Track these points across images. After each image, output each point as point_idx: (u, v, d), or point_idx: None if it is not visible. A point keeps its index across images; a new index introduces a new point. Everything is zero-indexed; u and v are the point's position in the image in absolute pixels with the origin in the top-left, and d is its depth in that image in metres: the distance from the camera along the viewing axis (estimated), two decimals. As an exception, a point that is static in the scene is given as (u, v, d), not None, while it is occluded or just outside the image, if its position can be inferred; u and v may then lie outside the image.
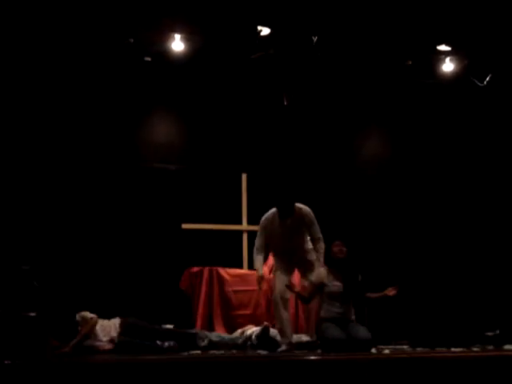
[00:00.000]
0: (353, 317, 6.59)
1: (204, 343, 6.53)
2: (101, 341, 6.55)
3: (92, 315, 6.61)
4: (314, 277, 6.45)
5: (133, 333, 6.56)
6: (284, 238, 6.52)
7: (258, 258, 6.55)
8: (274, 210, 6.57)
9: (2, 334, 6.19)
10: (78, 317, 6.62)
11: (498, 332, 7.34)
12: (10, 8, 7.01)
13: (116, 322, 6.68)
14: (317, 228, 6.54)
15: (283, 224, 6.49)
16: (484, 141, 8.95)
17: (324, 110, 8.78)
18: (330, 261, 6.64)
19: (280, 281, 6.45)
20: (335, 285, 6.58)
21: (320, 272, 6.50)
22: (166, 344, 6.46)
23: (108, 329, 6.64)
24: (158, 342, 6.49)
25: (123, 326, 6.60)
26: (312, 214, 6.55)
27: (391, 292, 6.55)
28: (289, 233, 6.51)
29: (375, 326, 6.91)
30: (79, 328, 6.57)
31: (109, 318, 6.75)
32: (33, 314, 6.63)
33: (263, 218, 6.61)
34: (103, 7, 7.04)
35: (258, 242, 6.61)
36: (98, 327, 6.57)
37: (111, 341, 6.61)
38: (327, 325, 6.46)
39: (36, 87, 7.61)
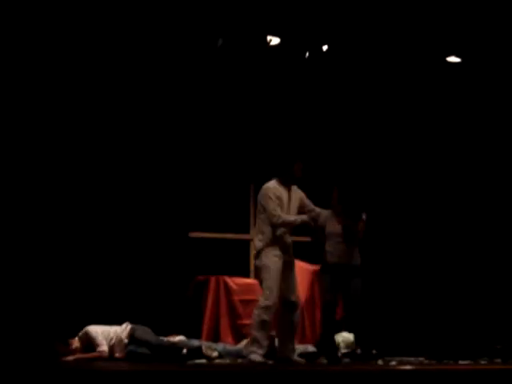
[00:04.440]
0: (357, 262, 6.58)
1: (215, 354, 6.51)
2: (104, 348, 6.53)
3: (98, 340, 6.53)
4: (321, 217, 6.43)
5: (141, 342, 6.56)
6: (286, 211, 6.26)
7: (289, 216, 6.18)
8: (273, 181, 6.27)
9: (11, 338, 6.21)
10: (85, 333, 6.58)
11: (505, 345, 7.30)
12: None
13: (124, 328, 6.66)
14: None
15: (288, 195, 6.25)
16: (485, 141, 8.91)
17: (328, 120, 8.81)
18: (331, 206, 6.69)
19: (281, 279, 6.12)
20: (335, 225, 6.63)
21: (323, 212, 6.49)
22: (184, 351, 6.44)
23: (112, 335, 6.62)
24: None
25: (131, 336, 6.59)
26: None
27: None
28: (290, 205, 6.27)
29: (383, 338, 6.90)
30: (78, 340, 6.54)
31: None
32: (40, 319, 6.67)
33: (270, 186, 6.19)
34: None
35: (278, 209, 6.11)
36: (100, 335, 6.55)
37: (116, 347, 6.59)
38: (327, 279, 6.51)
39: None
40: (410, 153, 8.96)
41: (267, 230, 6.17)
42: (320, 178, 8.05)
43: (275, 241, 6.18)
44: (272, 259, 6.13)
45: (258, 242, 6.23)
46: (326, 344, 6.56)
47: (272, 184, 6.28)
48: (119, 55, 7.74)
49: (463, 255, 8.71)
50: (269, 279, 6.08)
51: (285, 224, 6.18)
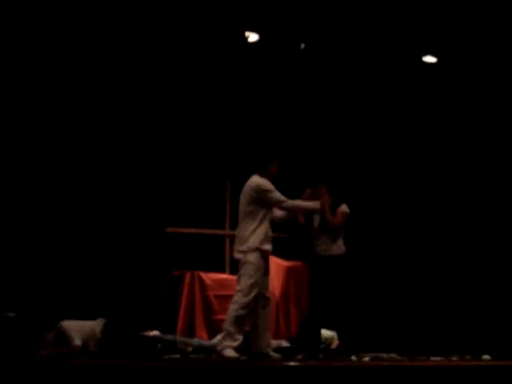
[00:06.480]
0: (337, 252, 6.63)
1: (189, 349, 6.53)
2: (77, 343, 6.51)
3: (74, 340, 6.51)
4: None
5: (115, 337, 6.54)
6: None
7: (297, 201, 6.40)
8: (257, 177, 6.33)
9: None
10: (59, 328, 6.55)
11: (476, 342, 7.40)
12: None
13: (98, 324, 6.65)
14: None
15: None
16: (485, 141, 8.98)
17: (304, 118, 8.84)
18: None
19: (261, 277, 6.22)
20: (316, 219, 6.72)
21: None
22: (159, 345, 6.44)
23: (86, 330, 6.60)
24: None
25: (104, 331, 6.58)
26: None
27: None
28: None
29: (357, 333, 6.94)
30: (52, 335, 6.51)
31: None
32: (14, 315, 6.61)
33: (265, 180, 6.27)
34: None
35: (282, 196, 6.28)
36: (74, 330, 6.52)
37: (90, 342, 6.58)
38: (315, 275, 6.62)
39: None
40: (396, 147, 9.02)
41: (259, 227, 6.20)
42: (302, 173, 8.12)
43: (265, 240, 6.22)
44: (259, 258, 6.19)
45: (250, 239, 6.18)
46: (310, 338, 6.58)
47: (260, 178, 6.31)
48: (101, 54, 7.73)
49: (436, 252, 8.78)
50: (252, 277, 6.13)
51: (294, 206, 6.37)
